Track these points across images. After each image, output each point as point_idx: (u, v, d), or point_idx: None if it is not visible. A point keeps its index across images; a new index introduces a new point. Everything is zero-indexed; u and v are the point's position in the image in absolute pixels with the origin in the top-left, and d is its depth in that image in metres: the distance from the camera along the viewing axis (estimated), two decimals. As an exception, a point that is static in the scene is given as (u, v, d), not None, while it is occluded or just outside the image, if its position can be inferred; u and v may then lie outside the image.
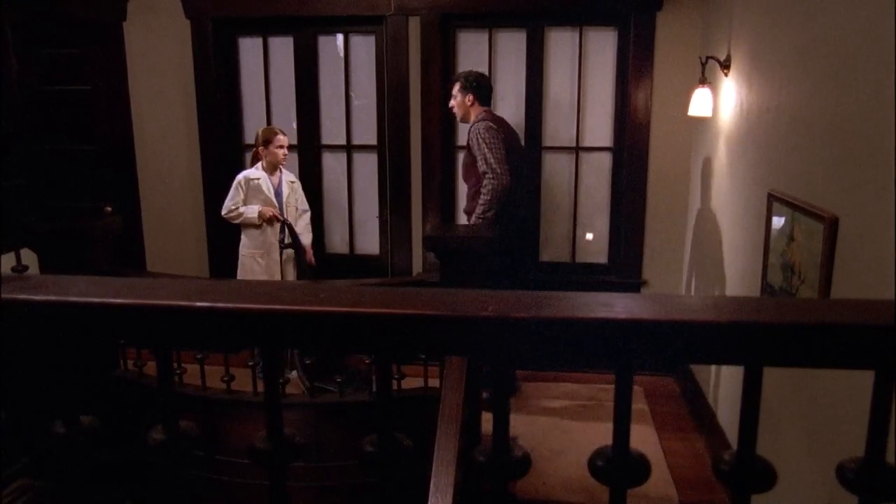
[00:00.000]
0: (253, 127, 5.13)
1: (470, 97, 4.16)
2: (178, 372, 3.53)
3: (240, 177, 4.43)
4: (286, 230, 4.51)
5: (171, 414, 0.86)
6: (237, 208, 4.38)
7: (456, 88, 4.19)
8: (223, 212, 4.45)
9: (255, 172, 4.43)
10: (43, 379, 2.75)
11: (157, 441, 0.86)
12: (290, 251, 4.55)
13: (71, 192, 5.34)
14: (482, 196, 3.98)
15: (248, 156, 4.81)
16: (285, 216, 4.48)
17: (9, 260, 3.58)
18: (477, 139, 4.02)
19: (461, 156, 4.93)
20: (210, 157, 5.04)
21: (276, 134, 4.43)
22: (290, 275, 4.57)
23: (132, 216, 5.14)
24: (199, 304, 0.77)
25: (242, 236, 4.48)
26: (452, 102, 4.22)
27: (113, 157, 5.22)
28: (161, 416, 0.86)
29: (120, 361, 3.77)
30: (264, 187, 4.42)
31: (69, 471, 0.96)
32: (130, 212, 5.13)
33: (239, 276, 4.46)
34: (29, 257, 3.67)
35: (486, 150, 4.00)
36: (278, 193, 4.50)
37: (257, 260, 4.45)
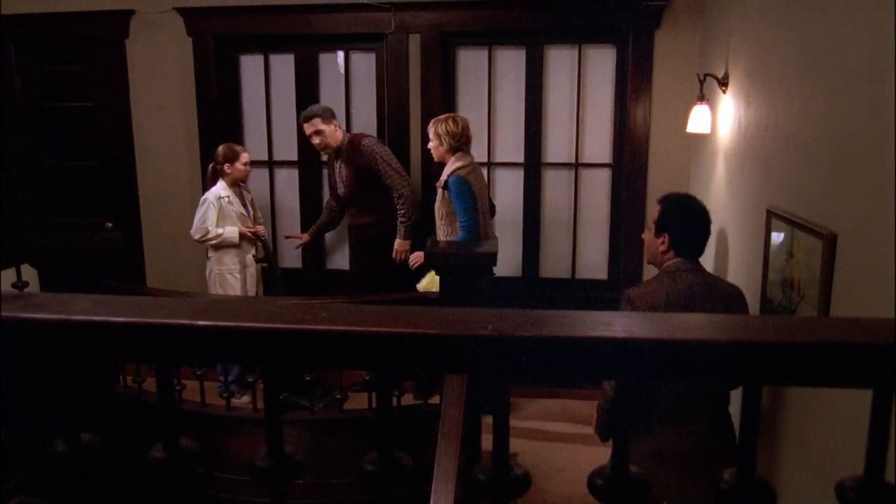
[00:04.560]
0: (254, 143, 5.16)
1: (334, 124, 4.47)
2: (177, 388, 3.53)
3: (210, 197, 4.40)
4: (261, 245, 4.56)
5: (172, 432, 0.86)
6: (214, 230, 4.36)
7: (319, 124, 4.42)
8: (197, 235, 4.38)
9: (224, 190, 4.43)
10: (43, 396, 2.74)
11: (158, 459, 0.86)
12: (259, 265, 4.62)
13: (72, 207, 5.36)
14: (402, 208, 4.41)
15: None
16: (255, 229, 4.52)
17: (9, 276, 3.58)
18: (374, 156, 4.41)
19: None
20: (211, 174, 5.07)
21: (240, 151, 4.47)
22: (262, 290, 4.64)
23: (133, 232, 5.16)
24: (200, 322, 0.77)
25: (213, 254, 4.48)
26: (318, 140, 4.46)
27: (114, 173, 5.24)
28: (162, 433, 0.86)
29: (119, 377, 3.76)
30: (236, 204, 4.45)
31: (69, 487, 0.96)
32: (131, 227, 5.14)
33: (215, 292, 4.47)
34: (29, 273, 3.68)
35: (387, 165, 4.43)
36: (246, 208, 4.54)
37: (234, 276, 4.46)
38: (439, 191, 4.12)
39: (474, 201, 4.01)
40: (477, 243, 3.94)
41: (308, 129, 4.43)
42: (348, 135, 4.57)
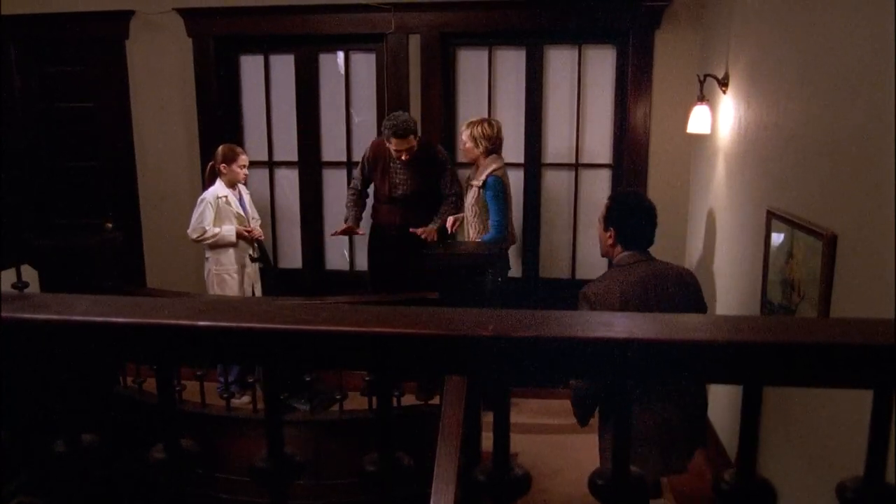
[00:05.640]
0: (254, 144, 5.17)
1: None
2: (177, 389, 3.52)
3: (208, 196, 4.37)
4: (256, 245, 4.56)
5: (172, 432, 0.86)
6: (210, 230, 4.33)
7: (413, 139, 4.30)
8: (194, 234, 4.34)
9: (222, 190, 4.41)
10: (43, 396, 2.74)
11: (158, 460, 0.86)
12: (256, 265, 4.61)
13: (72, 208, 5.36)
14: (453, 207, 4.44)
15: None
16: (251, 230, 4.51)
17: (9, 276, 3.58)
18: (446, 160, 4.49)
19: (460, 173, 4.96)
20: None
21: (239, 153, 4.44)
22: (259, 290, 4.62)
23: (133, 232, 5.16)
24: (201, 323, 0.77)
25: (211, 254, 4.46)
26: (408, 156, 4.33)
27: (114, 173, 5.24)
28: (162, 434, 0.86)
29: (119, 377, 3.76)
30: (233, 204, 4.44)
31: (69, 488, 0.96)
32: (131, 228, 5.14)
33: (214, 292, 4.45)
34: (29, 274, 3.67)
35: (452, 169, 4.52)
36: (244, 208, 4.53)
37: (232, 276, 4.44)
38: (474, 189, 4.20)
39: (508, 202, 4.21)
40: (505, 242, 4.21)
41: (404, 144, 4.23)
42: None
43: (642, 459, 2.69)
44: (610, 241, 2.81)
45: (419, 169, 4.43)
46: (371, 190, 4.66)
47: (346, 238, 5.16)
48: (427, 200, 4.51)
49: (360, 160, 4.65)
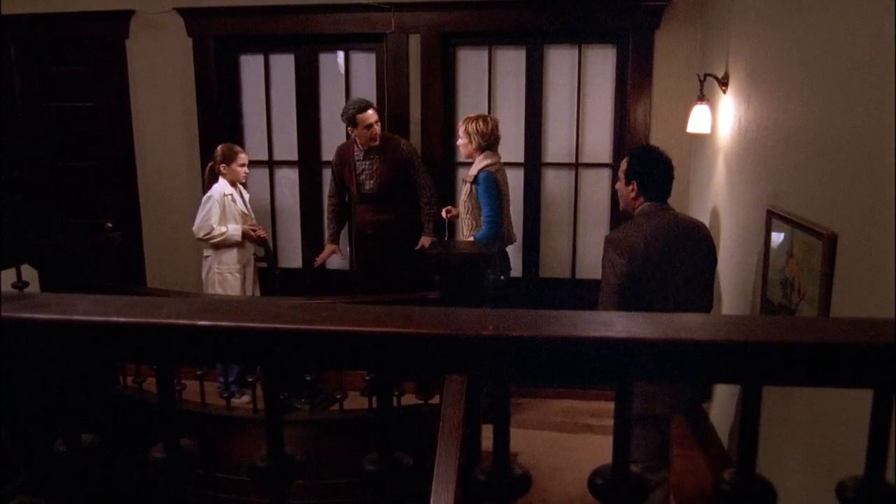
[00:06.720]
0: (254, 143, 5.16)
1: None
2: (177, 388, 3.52)
3: (215, 194, 4.34)
4: (262, 245, 4.56)
5: (172, 432, 0.86)
6: (217, 228, 4.30)
7: (376, 114, 4.44)
8: (201, 233, 4.31)
9: (228, 188, 4.40)
10: (43, 396, 2.74)
11: (158, 459, 0.85)
12: (256, 265, 4.61)
13: (72, 208, 5.36)
14: (433, 207, 4.56)
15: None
16: (257, 229, 4.51)
17: (9, 276, 3.58)
18: (412, 154, 4.59)
19: (459, 172, 4.98)
20: (211, 174, 5.06)
21: (238, 152, 4.43)
22: (258, 289, 4.63)
23: (133, 232, 5.16)
24: (200, 322, 0.77)
25: (213, 252, 4.41)
26: (378, 129, 4.46)
27: (114, 173, 5.24)
28: (162, 433, 0.86)
29: (119, 377, 3.76)
30: (238, 203, 4.44)
31: (69, 487, 0.96)
32: (131, 228, 5.14)
33: (214, 292, 4.44)
34: (29, 274, 3.67)
35: (422, 164, 4.61)
36: (246, 207, 4.54)
37: (234, 275, 4.42)
38: (467, 185, 4.22)
39: (501, 198, 4.18)
40: (499, 239, 4.19)
41: (369, 118, 4.39)
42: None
43: (652, 395, 2.79)
44: (632, 195, 2.93)
45: (384, 161, 4.50)
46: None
47: (346, 239, 5.17)
48: (398, 194, 4.57)
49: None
